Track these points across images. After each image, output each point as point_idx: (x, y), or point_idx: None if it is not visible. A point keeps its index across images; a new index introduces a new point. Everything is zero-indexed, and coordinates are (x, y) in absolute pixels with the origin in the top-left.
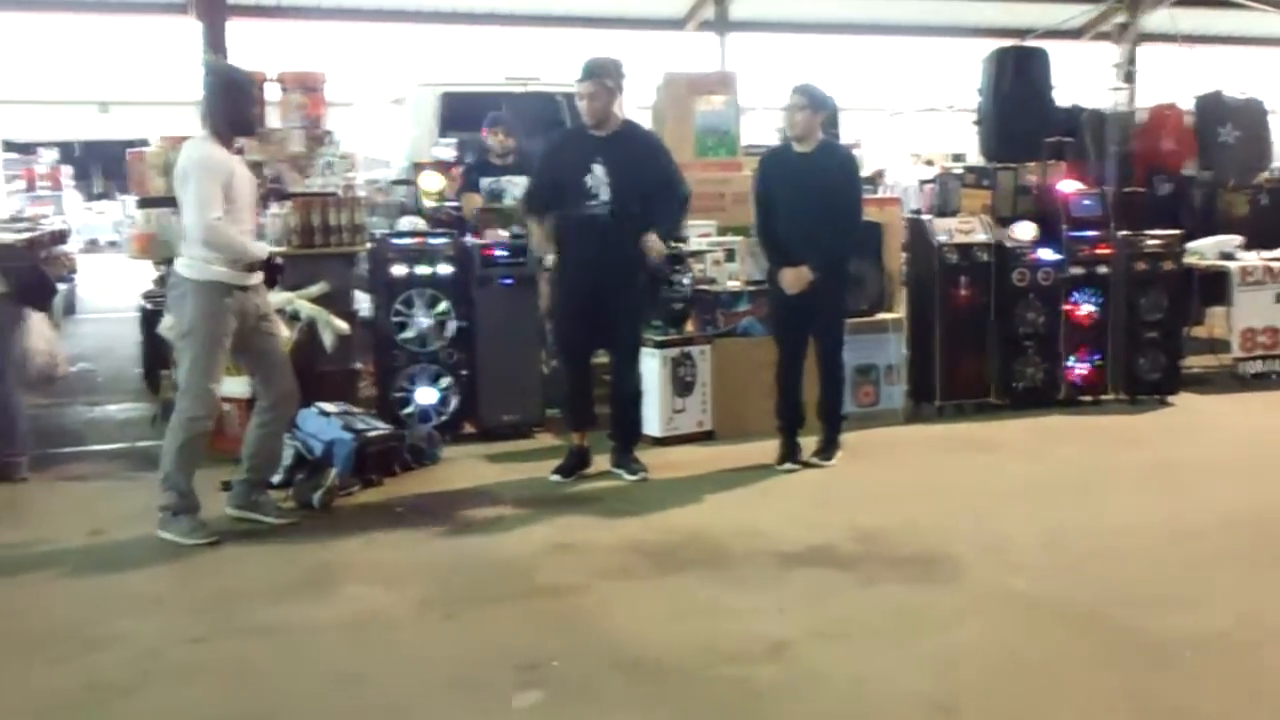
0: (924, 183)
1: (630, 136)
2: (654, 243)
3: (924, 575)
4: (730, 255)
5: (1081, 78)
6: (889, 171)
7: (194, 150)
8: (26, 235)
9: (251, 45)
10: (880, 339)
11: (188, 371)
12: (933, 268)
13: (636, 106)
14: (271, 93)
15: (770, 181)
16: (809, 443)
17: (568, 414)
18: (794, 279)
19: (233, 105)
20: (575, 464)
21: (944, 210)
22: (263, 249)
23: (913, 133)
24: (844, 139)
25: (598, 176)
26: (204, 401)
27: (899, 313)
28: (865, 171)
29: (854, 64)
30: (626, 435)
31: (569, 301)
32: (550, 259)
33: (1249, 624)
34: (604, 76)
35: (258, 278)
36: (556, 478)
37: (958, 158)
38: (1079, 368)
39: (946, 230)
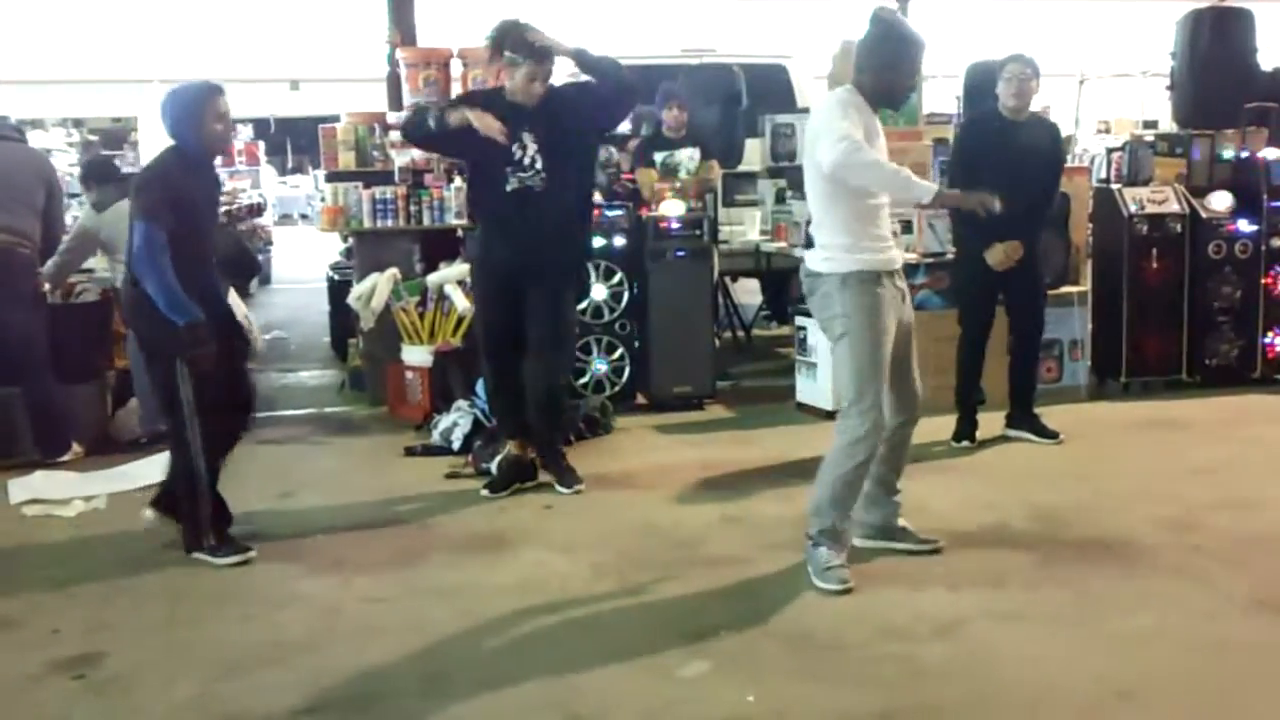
0: (1111, 151)
1: (555, 104)
2: None
3: (1105, 557)
4: (907, 227)
5: None
6: (1079, 139)
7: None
8: (226, 209)
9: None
10: (1064, 313)
11: (849, 383)
12: (1121, 240)
13: (814, 75)
14: (453, 68)
15: (977, 152)
16: (990, 420)
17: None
18: (1008, 254)
19: (881, 64)
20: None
21: (1134, 180)
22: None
23: (1102, 99)
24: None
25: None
26: (871, 418)
27: (1083, 286)
28: None
29: (1041, 28)
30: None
31: (489, 290)
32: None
33: None
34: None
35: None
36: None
37: (1150, 125)
38: (1278, 344)
39: (1137, 200)
